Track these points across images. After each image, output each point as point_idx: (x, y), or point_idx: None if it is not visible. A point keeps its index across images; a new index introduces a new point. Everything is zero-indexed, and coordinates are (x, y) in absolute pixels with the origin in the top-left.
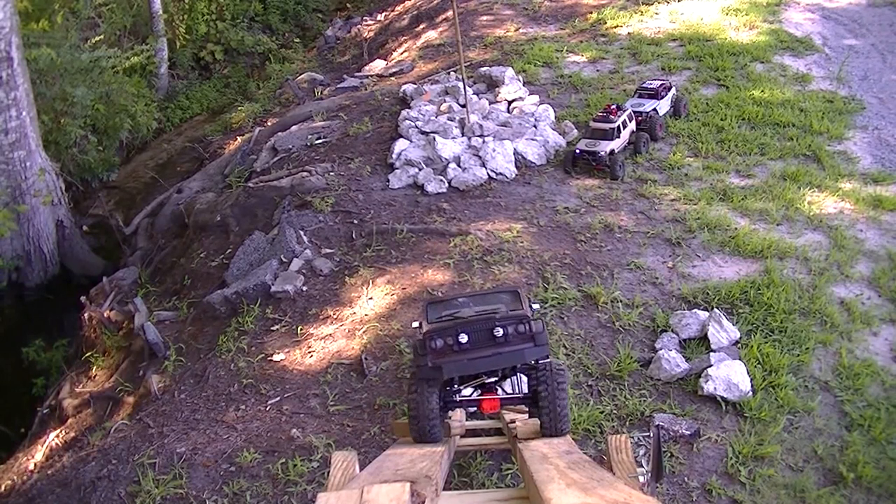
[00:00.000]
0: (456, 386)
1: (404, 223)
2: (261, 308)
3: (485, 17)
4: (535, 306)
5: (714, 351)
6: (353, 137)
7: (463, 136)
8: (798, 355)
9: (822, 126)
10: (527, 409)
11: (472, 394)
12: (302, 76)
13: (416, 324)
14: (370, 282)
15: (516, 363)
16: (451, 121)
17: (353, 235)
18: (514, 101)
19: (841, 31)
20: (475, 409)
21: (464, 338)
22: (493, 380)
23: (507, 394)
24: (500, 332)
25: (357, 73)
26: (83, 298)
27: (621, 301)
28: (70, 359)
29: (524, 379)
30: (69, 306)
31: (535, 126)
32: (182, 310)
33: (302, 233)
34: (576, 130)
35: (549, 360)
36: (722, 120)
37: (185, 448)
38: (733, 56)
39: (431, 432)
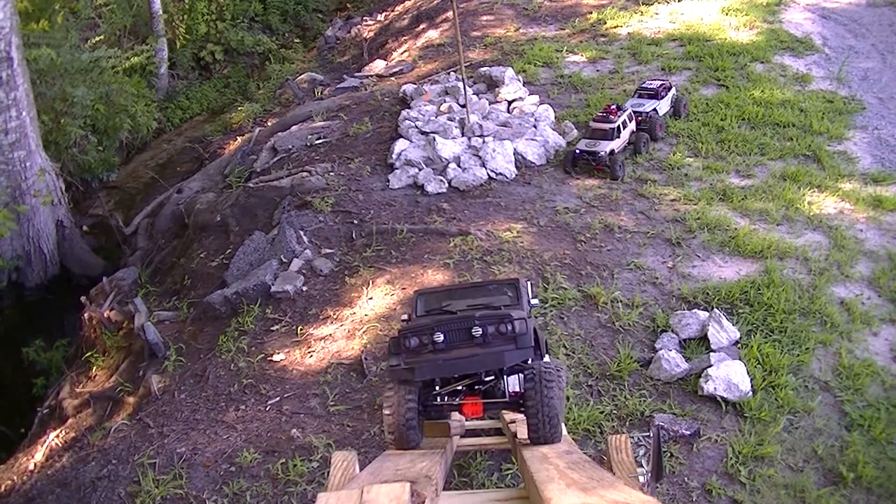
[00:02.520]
0: (437, 388)
1: (404, 223)
2: (261, 308)
3: (485, 17)
4: (535, 301)
5: (714, 351)
6: (353, 137)
7: (463, 136)
8: (798, 355)
9: (822, 126)
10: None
11: (460, 395)
12: (302, 76)
13: (404, 317)
14: (370, 282)
15: (496, 366)
16: (451, 121)
17: (353, 235)
18: (514, 101)
19: (841, 31)
20: (457, 412)
21: (439, 337)
22: (490, 379)
23: (494, 397)
24: (478, 332)
25: (357, 74)
26: (83, 298)
27: (621, 301)
28: (70, 359)
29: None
30: (69, 306)
31: (535, 126)
32: (182, 310)
33: (302, 233)
34: (576, 130)
35: (539, 362)
36: (722, 120)
37: (185, 448)
38: (733, 56)
39: (409, 438)
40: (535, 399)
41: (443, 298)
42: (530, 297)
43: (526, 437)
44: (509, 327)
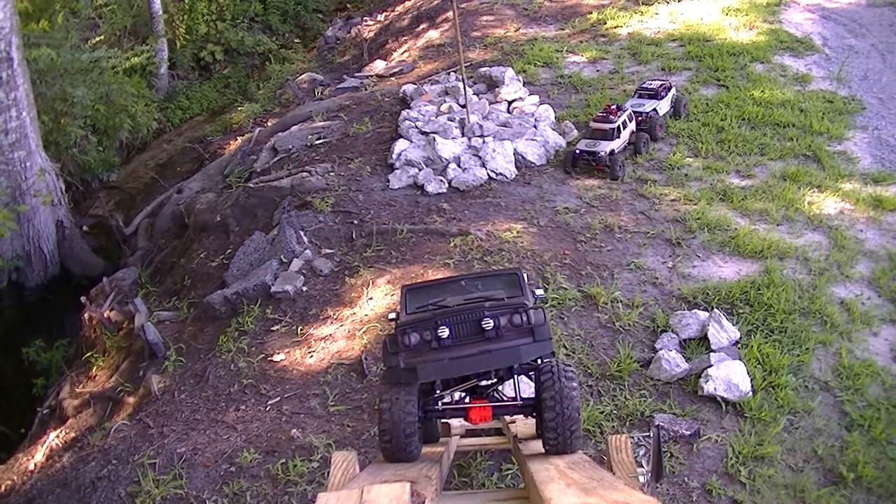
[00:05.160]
0: (438, 391)
1: (404, 223)
2: (261, 308)
3: (485, 18)
4: (539, 292)
5: (714, 351)
6: (353, 137)
7: (463, 136)
8: (798, 355)
9: (822, 126)
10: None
11: (464, 397)
12: (302, 76)
13: (392, 315)
14: (370, 282)
15: (511, 363)
16: (451, 121)
17: (353, 235)
18: (514, 101)
19: (841, 31)
20: (462, 418)
21: (444, 332)
22: (486, 383)
23: (503, 400)
24: (489, 324)
25: (357, 74)
26: (83, 298)
27: (621, 301)
28: (70, 359)
29: (526, 380)
30: (69, 306)
31: (535, 126)
32: (182, 310)
33: (302, 233)
34: (576, 130)
35: (553, 358)
36: (722, 120)
37: (186, 448)
38: (733, 56)
39: (407, 450)
40: (555, 404)
41: (434, 293)
42: (533, 288)
43: (526, 436)
44: (524, 318)
